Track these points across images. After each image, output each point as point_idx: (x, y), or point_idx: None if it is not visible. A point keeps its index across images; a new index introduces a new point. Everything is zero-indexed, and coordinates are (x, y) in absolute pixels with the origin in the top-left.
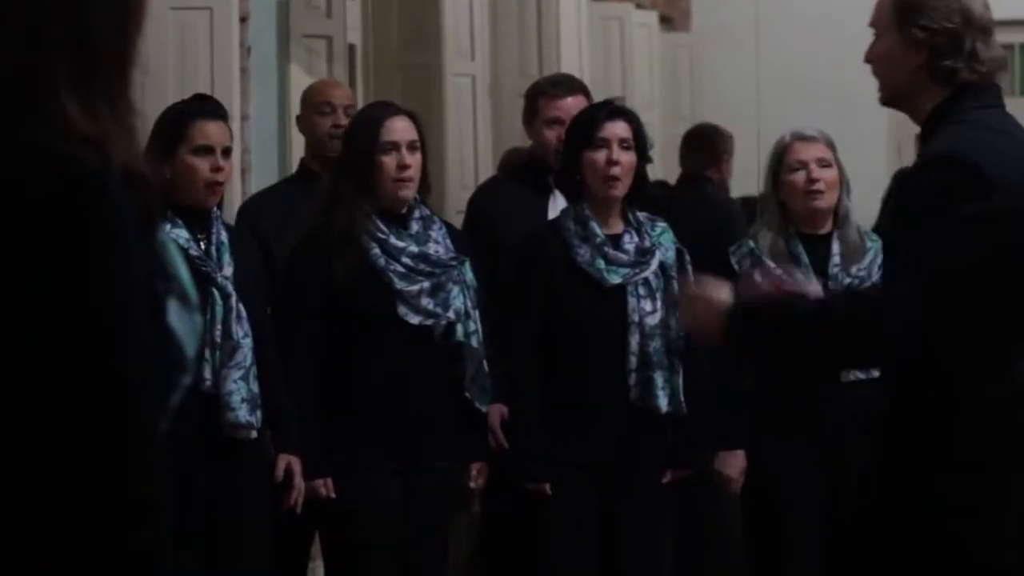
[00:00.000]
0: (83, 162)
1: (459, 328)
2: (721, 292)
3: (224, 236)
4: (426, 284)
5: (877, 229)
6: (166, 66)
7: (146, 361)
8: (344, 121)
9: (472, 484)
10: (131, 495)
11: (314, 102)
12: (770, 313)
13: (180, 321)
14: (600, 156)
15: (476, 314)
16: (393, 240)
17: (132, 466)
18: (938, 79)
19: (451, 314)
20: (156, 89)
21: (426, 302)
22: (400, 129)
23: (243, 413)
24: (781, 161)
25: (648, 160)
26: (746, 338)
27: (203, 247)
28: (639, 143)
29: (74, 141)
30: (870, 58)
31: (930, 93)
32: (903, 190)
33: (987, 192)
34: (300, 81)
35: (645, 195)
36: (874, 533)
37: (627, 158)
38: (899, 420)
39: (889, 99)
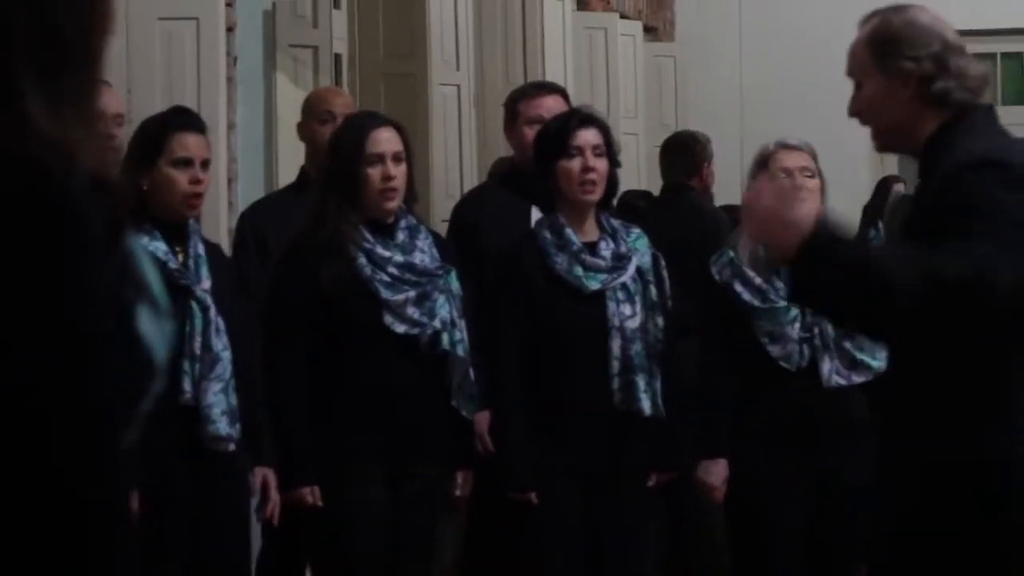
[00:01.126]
0: (48, 166)
1: (445, 337)
2: (801, 208)
3: (202, 249)
4: (412, 293)
5: (858, 239)
6: (153, 75)
7: (111, 368)
8: None
9: (458, 492)
10: (95, 504)
11: (315, 110)
12: (857, 252)
13: (150, 328)
14: (575, 164)
15: (462, 323)
16: (379, 250)
17: (97, 475)
18: (932, 104)
19: (437, 323)
20: (143, 98)
21: (412, 311)
22: (385, 140)
23: (223, 425)
24: (764, 167)
25: (618, 165)
26: (824, 267)
27: (181, 260)
28: (610, 149)
29: (39, 144)
30: (857, 109)
31: (926, 121)
32: (952, 186)
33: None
34: (286, 91)
35: (622, 203)
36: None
37: (601, 165)
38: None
39: (885, 143)
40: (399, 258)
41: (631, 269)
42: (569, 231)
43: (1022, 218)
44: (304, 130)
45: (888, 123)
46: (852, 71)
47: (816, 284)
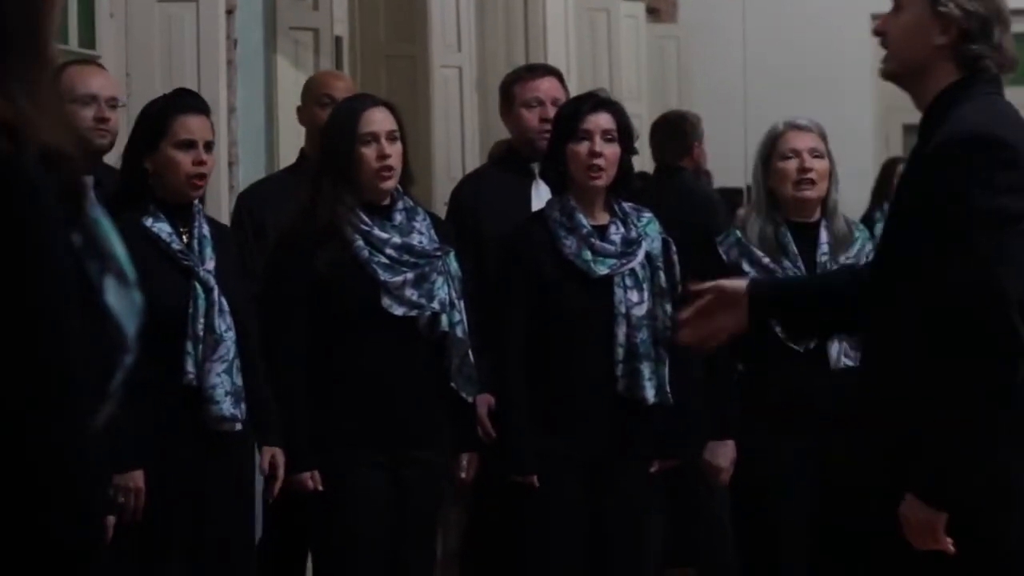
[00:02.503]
0: None
1: (444, 319)
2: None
3: (206, 230)
4: (410, 275)
5: (865, 220)
6: (152, 59)
7: (76, 345)
8: None
9: (463, 474)
10: (64, 484)
11: (315, 93)
12: (798, 288)
13: (118, 300)
14: (583, 148)
15: (461, 304)
16: (376, 232)
17: (64, 455)
18: (959, 62)
19: (435, 305)
20: (142, 82)
21: (410, 293)
22: (378, 120)
23: (227, 406)
24: (773, 148)
25: (633, 152)
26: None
27: (185, 241)
28: (623, 135)
29: None
30: (884, 28)
31: (943, 75)
32: (941, 163)
33: (1016, 164)
34: (287, 73)
35: (630, 186)
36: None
37: (610, 150)
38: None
39: (895, 72)
40: (397, 240)
41: (640, 255)
42: (579, 214)
43: (994, 235)
44: (304, 114)
45: (908, 57)
46: None
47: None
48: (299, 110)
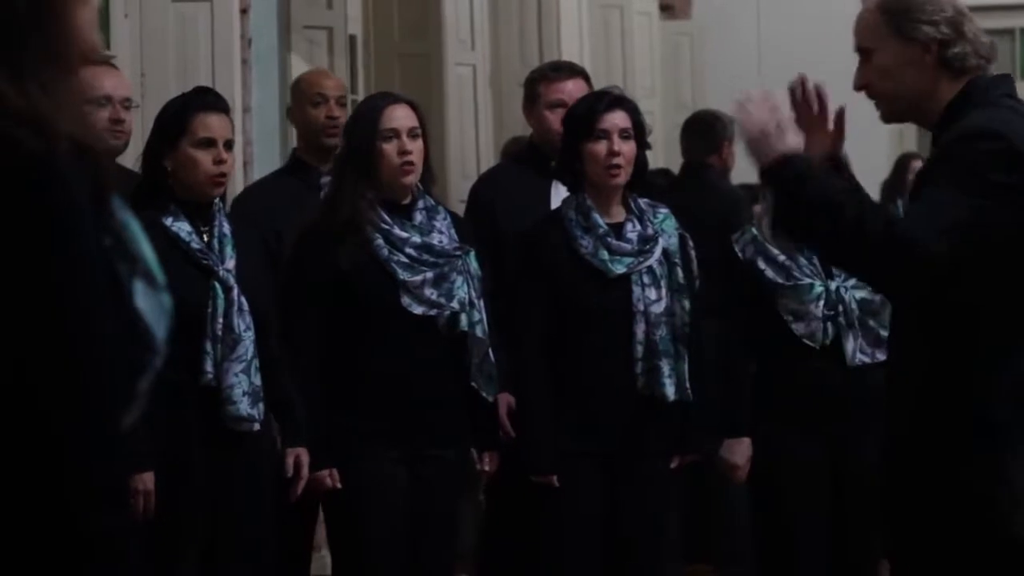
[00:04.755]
0: (21, 143)
1: (463, 318)
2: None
3: (227, 228)
4: (429, 274)
5: None
6: (167, 58)
7: (108, 344)
8: (337, 111)
9: (482, 472)
10: (94, 480)
11: (306, 93)
12: (826, 180)
13: (147, 302)
14: (601, 147)
15: (481, 303)
16: (397, 230)
17: (94, 451)
18: (949, 70)
19: (455, 304)
20: (157, 82)
21: (430, 292)
22: (400, 116)
23: (244, 406)
24: None
25: (647, 147)
26: (794, 185)
27: (205, 240)
28: (638, 131)
29: (10, 120)
30: (865, 81)
31: (943, 89)
32: (944, 155)
33: (1018, 165)
34: (301, 72)
35: (645, 183)
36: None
37: (628, 148)
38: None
39: (897, 111)
40: (417, 239)
41: (657, 252)
42: (596, 213)
43: (983, 190)
44: (296, 114)
45: (904, 90)
46: (863, 40)
47: (788, 200)
48: (289, 111)
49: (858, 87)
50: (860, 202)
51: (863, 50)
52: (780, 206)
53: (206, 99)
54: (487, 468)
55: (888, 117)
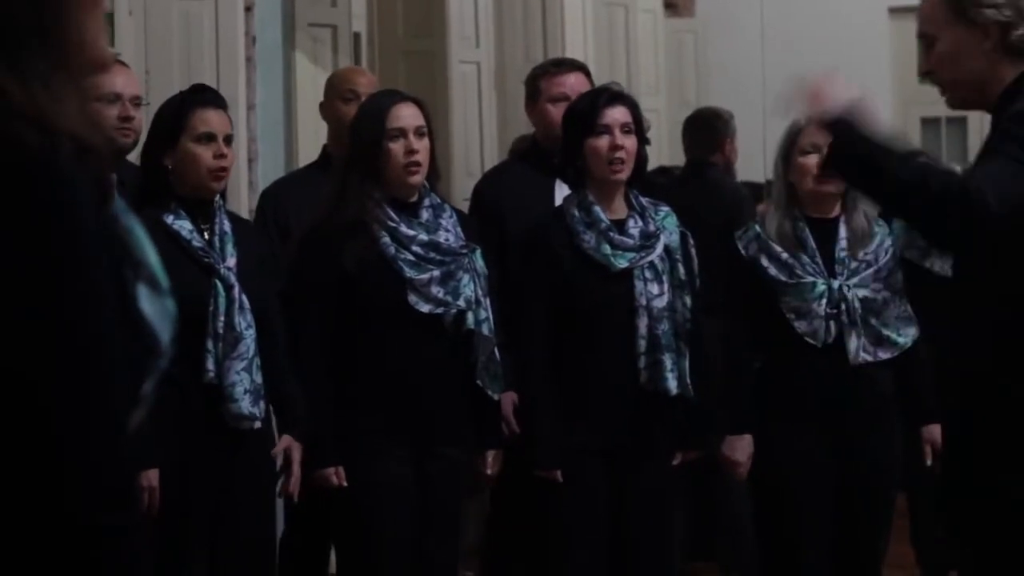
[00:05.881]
0: (24, 140)
1: (470, 316)
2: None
3: (227, 226)
4: (436, 272)
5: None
6: (171, 56)
7: (111, 343)
8: None
9: (488, 471)
10: (99, 480)
11: (339, 89)
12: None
13: (151, 306)
14: (603, 142)
15: (487, 302)
16: (403, 228)
17: (99, 451)
18: (1012, 54)
19: (461, 302)
20: (161, 80)
21: (436, 290)
22: (406, 115)
23: (246, 404)
24: (794, 143)
25: (647, 143)
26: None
27: (206, 238)
28: (638, 127)
29: (12, 117)
30: (930, 67)
31: (1004, 72)
32: (1007, 133)
33: None
34: (306, 70)
35: (645, 178)
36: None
37: (629, 142)
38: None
39: (961, 97)
40: (423, 237)
41: (659, 248)
42: (598, 208)
43: None
44: (327, 109)
45: (966, 78)
46: (925, 27)
47: (846, 148)
48: (322, 106)
49: (922, 73)
50: (927, 154)
51: (926, 36)
52: (844, 147)
53: (204, 95)
54: (488, 471)
55: (953, 103)
